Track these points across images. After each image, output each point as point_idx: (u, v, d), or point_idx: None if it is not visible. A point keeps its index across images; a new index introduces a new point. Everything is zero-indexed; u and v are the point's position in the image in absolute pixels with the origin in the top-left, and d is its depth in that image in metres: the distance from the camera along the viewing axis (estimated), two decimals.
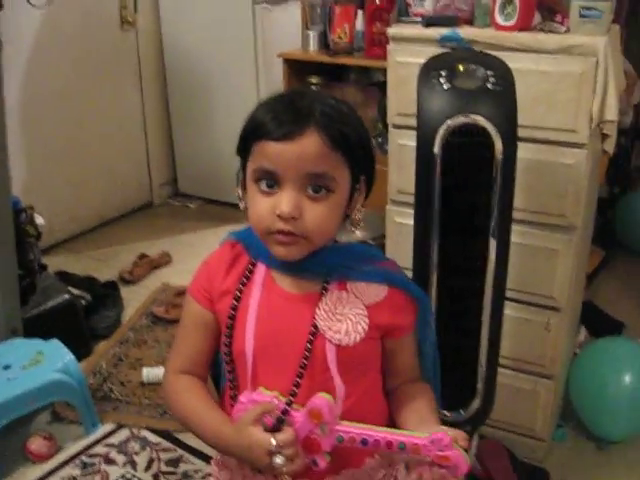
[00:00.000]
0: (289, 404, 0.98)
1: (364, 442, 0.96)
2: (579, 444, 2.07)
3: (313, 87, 2.89)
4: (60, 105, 3.30)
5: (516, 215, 1.73)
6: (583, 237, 1.81)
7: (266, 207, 0.97)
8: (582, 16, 1.59)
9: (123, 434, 2.16)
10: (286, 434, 0.95)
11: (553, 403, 1.93)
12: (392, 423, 1.09)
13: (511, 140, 1.27)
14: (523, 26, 1.64)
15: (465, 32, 1.69)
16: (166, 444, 2.10)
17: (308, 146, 0.94)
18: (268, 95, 1.01)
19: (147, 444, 2.10)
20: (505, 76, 1.29)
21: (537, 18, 1.69)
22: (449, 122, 1.27)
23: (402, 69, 1.78)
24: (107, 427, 2.17)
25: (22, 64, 3.11)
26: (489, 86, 1.26)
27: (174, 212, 3.88)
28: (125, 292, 2.93)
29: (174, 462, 2.04)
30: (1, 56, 2.09)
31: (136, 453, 2.08)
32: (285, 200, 0.95)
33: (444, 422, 1.15)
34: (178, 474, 1.99)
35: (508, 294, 1.81)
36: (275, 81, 3.11)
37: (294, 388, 1.00)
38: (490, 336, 1.39)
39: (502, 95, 1.26)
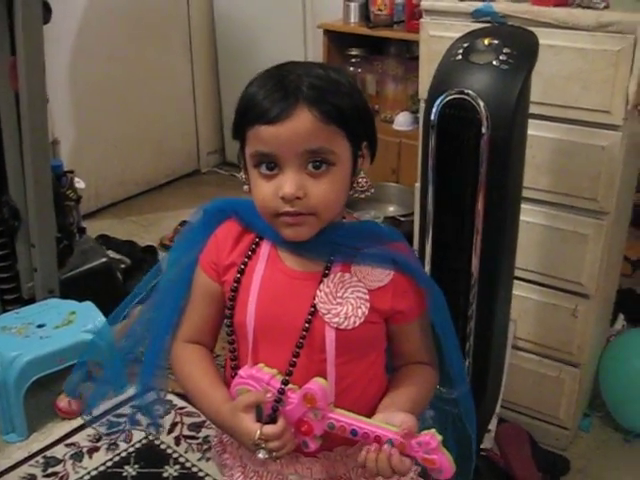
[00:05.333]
0: (286, 383, 0.99)
1: (354, 433, 0.98)
2: (604, 435, 2.03)
3: (353, 60, 2.88)
4: (109, 69, 3.36)
5: (544, 197, 1.72)
6: (617, 223, 1.76)
7: (269, 191, 0.96)
8: None
9: (150, 397, 2.21)
10: (273, 428, 0.97)
11: (579, 391, 1.89)
12: None
13: (507, 119, 1.25)
14: (560, 1, 1.59)
15: (499, 6, 1.64)
16: (191, 409, 2.15)
17: (300, 124, 0.93)
18: (259, 72, 0.99)
19: (172, 407, 2.16)
20: (523, 55, 1.26)
21: None
22: (445, 94, 1.27)
23: (435, 43, 1.74)
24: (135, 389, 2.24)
25: (72, 26, 3.17)
26: (495, 62, 1.24)
27: (220, 181, 3.90)
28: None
29: (196, 427, 2.09)
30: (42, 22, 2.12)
31: (160, 416, 2.13)
32: (287, 182, 0.94)
33: (442, 399, 1.16)
34: (199, 438, 2.04)
35: (533, 278, 1.81)
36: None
37: (290, 368, 1.01)
38: (479, 319, 1.37)
39: (506, 73, 1.23)
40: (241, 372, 1.02)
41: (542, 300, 1.82)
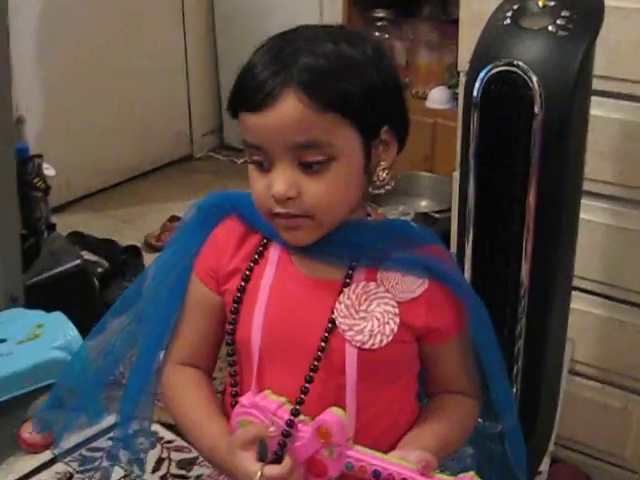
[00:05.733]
0: (296, 414, 0.99)
1: (376, 474, 0.97)
2: None
3: (378, 23, 2.88)
4: (85, 36, 3.38)
5: (609, 190, 1.72)
6: None
7: (262, 187, 0.97)
8: None
9: (133, 427, 2.22)
10: (277, 469, 0.96)
11: None
12: None
13: (565, 97, 1.24)
14: None
15: None
16: (180, 442, 2.15)
17: (287, 113, 0.92)
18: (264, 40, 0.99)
19: (158, 441, 2.16)
20: (585, 19, 1.25)
21: None
22: (490, 66, 1.26)
23: (478, 4, 1.74)
24: (114, 417, 2.24)
25: None
26: (551, 28, 1.23)
27: (217, 167, 3.94)
28: (149, 260, 2.99)
29: (187, 464, 2.09)
30: None
31: (145, 451, 2.14)
32: (277, 179, 0.95)
33: (484, 434, 1.16)
34: (190, 478, 2.05)
35: (595, 288, 1.81)
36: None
37: (302, 395, 1.01)
38: (529, 338, 1.37)
39: (565, 41, 1.22)
40: (243, 400, 1.03)
41: (606, 315, 1.81)
